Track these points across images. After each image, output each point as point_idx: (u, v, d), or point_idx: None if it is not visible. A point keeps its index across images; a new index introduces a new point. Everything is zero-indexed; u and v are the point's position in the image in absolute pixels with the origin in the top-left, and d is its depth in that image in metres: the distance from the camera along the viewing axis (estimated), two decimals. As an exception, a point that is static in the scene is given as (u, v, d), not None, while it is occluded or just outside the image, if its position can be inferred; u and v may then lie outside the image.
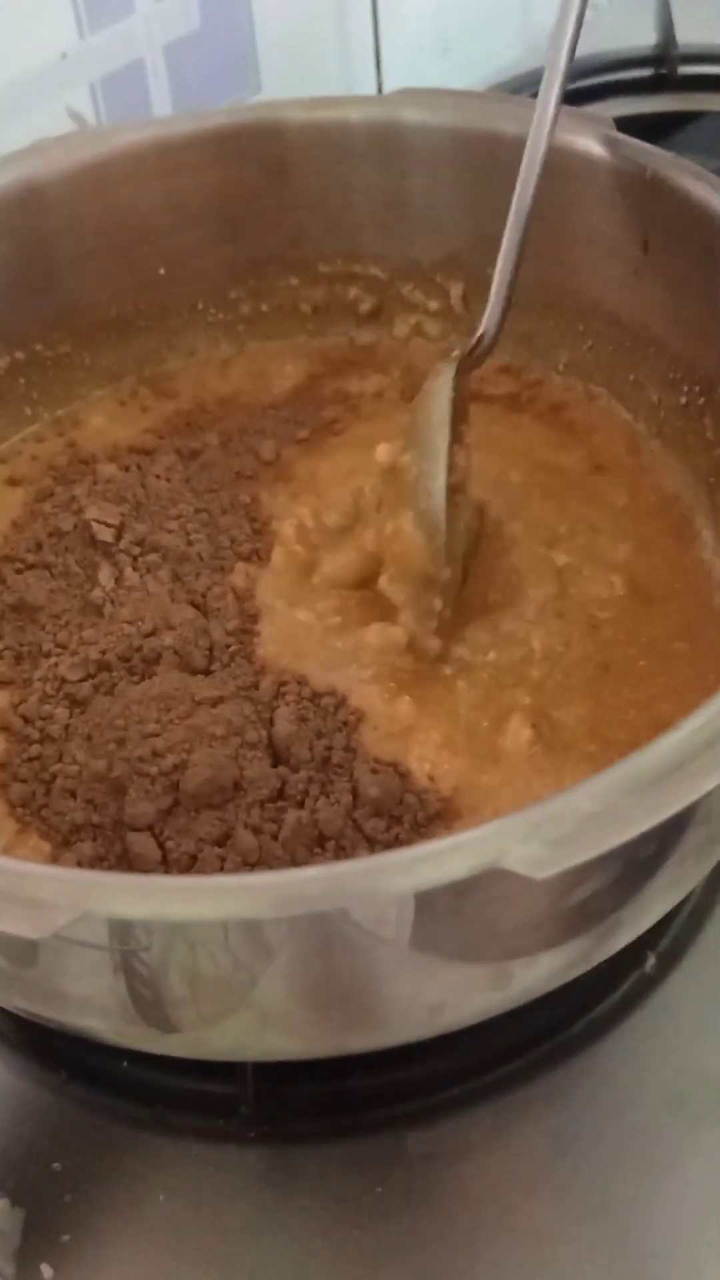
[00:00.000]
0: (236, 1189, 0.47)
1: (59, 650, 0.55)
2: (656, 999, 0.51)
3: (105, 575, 0.58)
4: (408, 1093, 0.49)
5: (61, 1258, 0.46)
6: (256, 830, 0.48)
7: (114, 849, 0.48)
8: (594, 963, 0.44)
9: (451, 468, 0.54)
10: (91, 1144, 0.49)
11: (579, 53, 0.94)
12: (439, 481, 0.54)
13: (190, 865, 0.47)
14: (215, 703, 0.52)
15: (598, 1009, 0.51)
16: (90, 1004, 0.41)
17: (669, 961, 0.52)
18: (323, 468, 0.63)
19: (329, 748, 0.51)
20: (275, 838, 0.48)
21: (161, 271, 0.66)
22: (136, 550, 0.59)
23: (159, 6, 0.88)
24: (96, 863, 0.48)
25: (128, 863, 0.48)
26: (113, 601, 0.57)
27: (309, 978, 0.39)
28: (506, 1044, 0.50)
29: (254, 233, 0.66)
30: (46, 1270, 0.46)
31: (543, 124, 0.52)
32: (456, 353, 0.56)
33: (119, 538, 0.59)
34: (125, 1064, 0.50)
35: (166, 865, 0.47)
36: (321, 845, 0.48)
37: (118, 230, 0.64)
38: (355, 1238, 0.46)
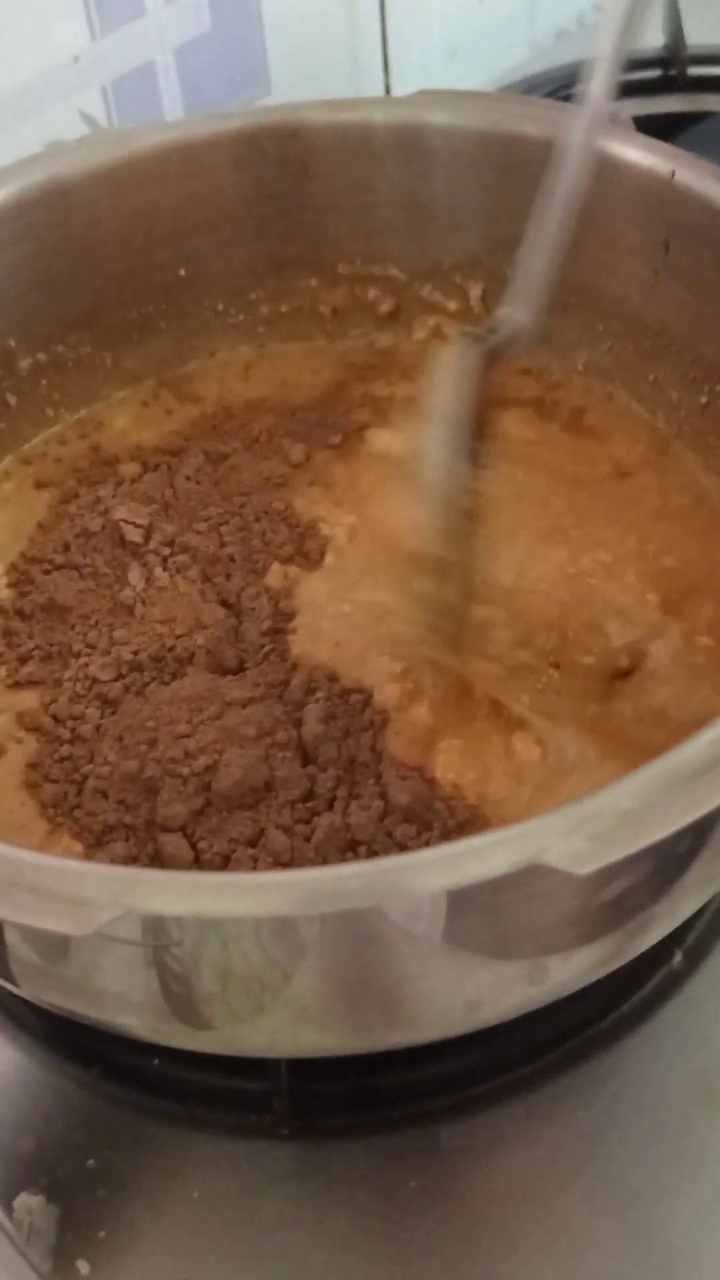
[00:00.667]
0: (270, 1184, 0.48)
1: (89, 650, 0.55)
2: (684, 995, 0.51)
3: (135, 575, 0.58)
4: (440, 1088, 0.49)
5: (98, 1253, 0.46)
6: (288, 831, 0.48)
7: (146, 849, 0.49)
8: (628, 958, 0.44)
9: (463, 489, 0.53)
10: (125, 1141, 0.49)
11: (584, 54, 0.95)
12: (444, 456, 0.52)
13: (223, 865, 0.48)
14: (246, 703, 0.52)
15: (626, 1005, 0.51)
16: (127, 1001, 0.41)
17: (695, 958, 0.52)
18: (363, 477, 0.64)
19: (356, 747, 0.51)
20: (308, 840, 0.48)
21: (182, 273, 0.67)
22: (166, 551, 0.59)
23: (170, 9, 0.89)
24: (129, 863, 0.48)
25: (160, 863, 0.48)
26: (143, 601, 0.57)
27: (348, 975, 0.39)
28: (537, 1040, 0.50)
29: (274, 234, 0.66)
30: (83, 1266, 0.46)
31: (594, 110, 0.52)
32: (485, 340, 0.54)
33: (148, 538, 0.59)
34: (157, 1061, 0.50)
35: (199, 865, 0.48)
36: (353, 849, 0.48)
37: (139, 231, 0.64)
38: (389, 1232, 0.46)
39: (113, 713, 0.53)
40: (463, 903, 0.37)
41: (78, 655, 0.55)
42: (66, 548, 0.60)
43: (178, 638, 0.55)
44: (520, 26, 1.09)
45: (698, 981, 0.52)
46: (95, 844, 0.49)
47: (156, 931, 0.38)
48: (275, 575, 0.58)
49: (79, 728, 0.53)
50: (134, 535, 0.59)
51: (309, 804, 0.49)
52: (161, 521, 0.60)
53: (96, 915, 0.35)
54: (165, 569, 0.58)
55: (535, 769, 0.51)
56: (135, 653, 0.54)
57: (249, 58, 0.96)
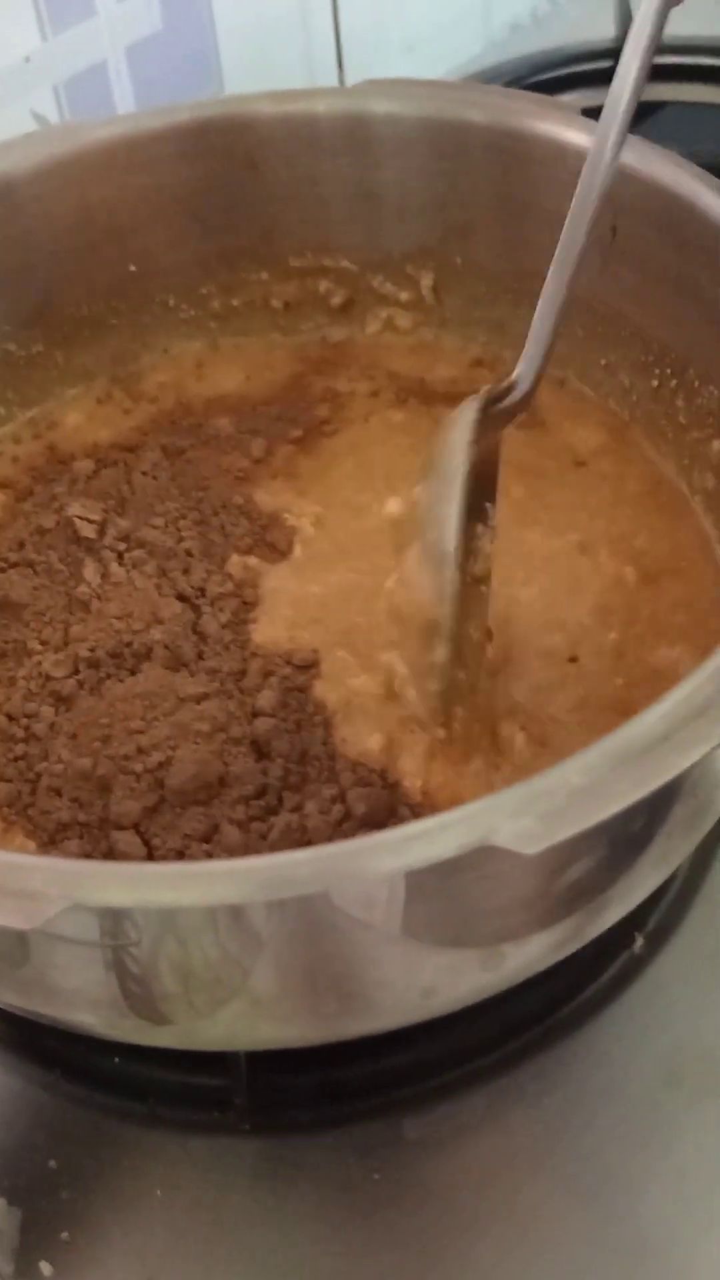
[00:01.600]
0: (233, 1181, 0.47)
1: (43, 647, 0.55)
2: (646, 978, 0.51)
3: (90, 571, 0.57)
4: (402, 1079, 0.49)
5: (60, 1255, 0.46)
6: (243, 826, 0.48)
7: (100, 846, 0.48)
8: (585, 940, 0.44)
9: (474, 551, 0.50)
10: (87, 1141, 0.49)
11: (537, 47, 0.95)
12: (451, 510, 0.48)
13: (178, 861, 0.47)
14: (199, 699, 0.51)
15: (588, 990, 0.51)
16: (82, 997, 0.41)
17: (657, 941, 0.52)
18: (329, 471, 0.64)
19: (309, 740, 0.51)
20: (264, 837, 0.48)
21: (132, 268, 0.66)
22: (122, 546, 0.59)
23: (121, 8, 0.88)
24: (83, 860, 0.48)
25: (114, 861, 0.48)
26: (99, 597, 0.57)
27: (301, 962, 0.39)
28: (499, 1028, 0.50)
29: (224, 227, 0.66)
30: (46, 1268, 0.46)
31: (604, 150, 0.50)
32: (484, 394, 0.51)
33: (102, 534, 0.59)
34: (117, 1060, 0.50)
35: (154, 862, 0.47)
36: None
37: (88, 227, 0.63)
38: (355, 1225, 0.46)
39: (67, 710, 0.52)
40: (413, 886, 0.36)
41: (32, 653, 0.55)
42: (21, 545, 0.59)
43: (135, 633, 0.54)
44: (475, 21, 1.09)
45: (660, 965, 0.52)
46: (49, 842, 0.49)
47: (108, 925, 0.37)
48: (235, 566, 0.58)
49: (33, 726, 0.52)
50: (88, 531, 0.59)
51: (263, 800, 0.49)
52: (116, 517, 0.60)
53: (44, 908, 0.34)
54: (121, 564, 0.58)
55: (518, 769, 0.50)
56: (92, 649, 0.54)
57: (201, 57, 0.96)
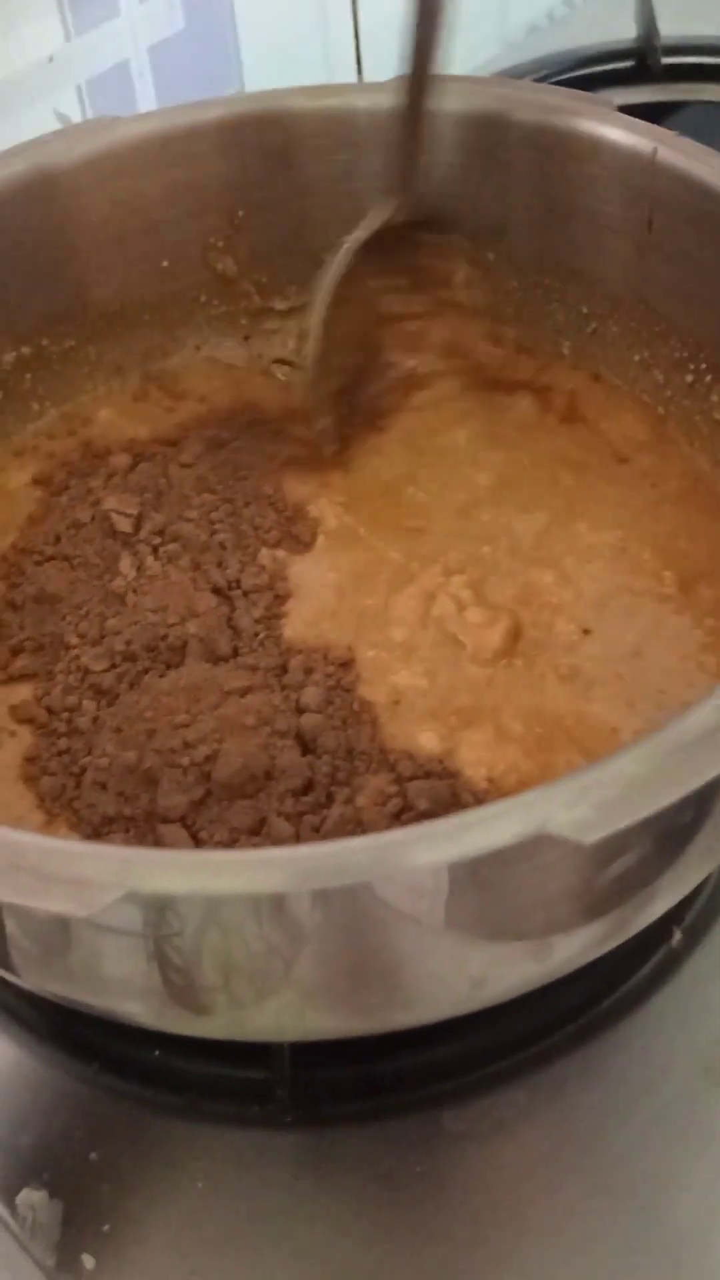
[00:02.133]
0: (274, 1174, 0.47)
1: (80, 640, 0.55)
2: (684, 972, 0.51)
3: (126, 565, 0.58)
4: (442, 1072, 0.49)
5: (102, 1247, 0.46)
6: (292, 819, 0.48)
7: (146, 840, 0.48)
8: (632, 931, 0.44)
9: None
10: (127, 1134, 0.48)
11: (555, 48, 0.95)
12: (313, 321, 0.60)
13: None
14: (244, 692, 0.52)
15: (626, 985, 0.51)
16: (130, 987, 0.41)
17: (695, 936, 0.52)
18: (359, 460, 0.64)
19: (355, 737, 0.51)
20: (317, 830, 0.48)
21: (165, 264, 0.66)
22: (157, 540, 0.59)
23: (143, 8, 0.89)
24: None
25: None
26: (135, 590, 0.57)
27: (353, 952, 0.39)
28: (539, 1022, 0.50)
29: (257, 223, 0.66)
30: (88, 1260, 0.46)
31: None
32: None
33: (138, 528, 0.59)
34: (157, 1053, 0.50)
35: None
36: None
37: (121, 222, 0.63)
38: (393, 1219, 0.46)
39: (109, 704, 0.52)
40: (468, 876, 0.36)
41: (69, 647, 0.55)
42: (57, 539, 0.60)
43: (170, 626, 0.54)
44: (491, 22, 1.09)
45: (697, 960, 0.52)
46: (94, 835, 0.49)
47: (160, 913, 0.37)
48: (266, 558, 0.58)
49: (75, 719, 0.52)
50: (124, 525, 0.59)
51: (311, 795, 0.49)
52: (152, 511, 0.60)
53: (100, 896, 0.34)
54: (156, 558, 0.58)
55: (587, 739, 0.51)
56: (128, 642, 0.54)
57: (223, 56, 0.96)
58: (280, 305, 0.70)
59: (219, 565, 0.58)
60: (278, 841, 0.47)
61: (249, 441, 0.64)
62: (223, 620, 0.55)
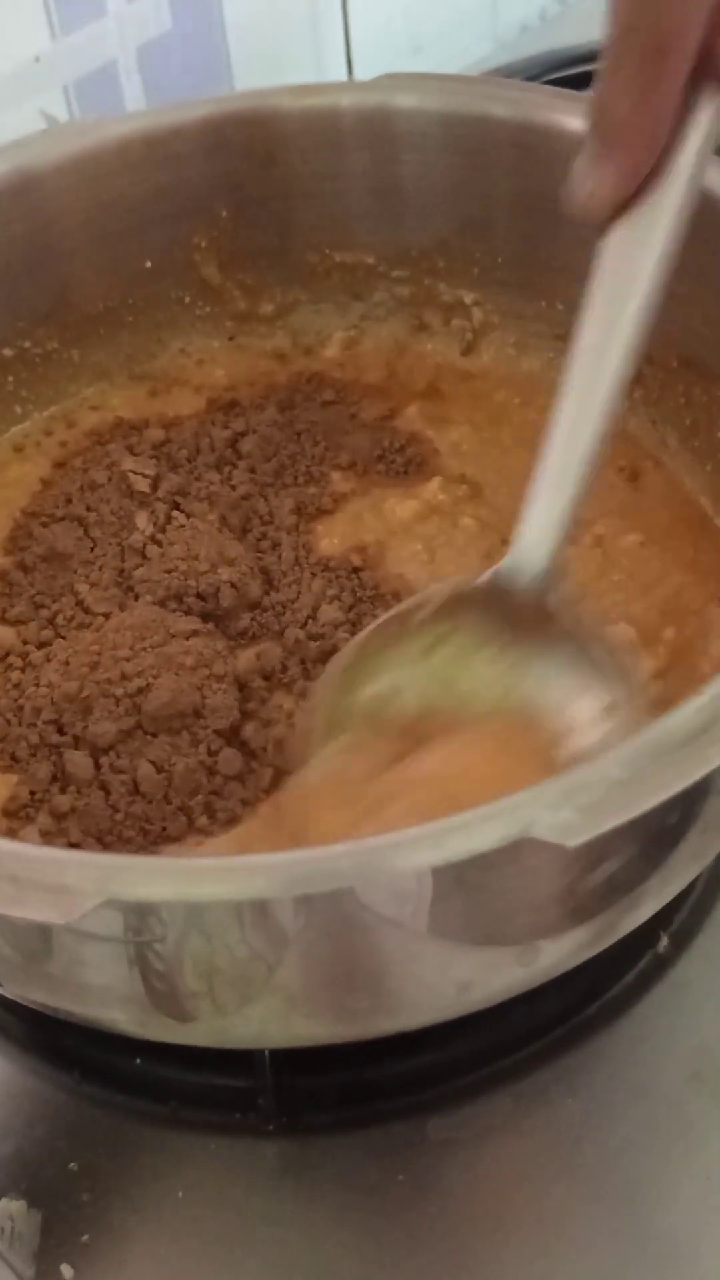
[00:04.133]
0: (256, 1182, 0.47)
1: (90, 588, 0.57)
2: (671, 978, 0.51)
3: (143, 520, 0.59)
4: (426, 1080, 0.49)
5: (81, 1258, 0.46)
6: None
7: (54, 769, 0.51)
8: (620, 934, 0.44)
9: None
10: (107, 1143, 0.48)
11: (546, 48, 0.95)
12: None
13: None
14: (189, 635, 0.53)
15: (612, 990, 0.51)
16: (112, 994, 0.41)
17: (681, 941, 0.52)
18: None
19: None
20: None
21: (148, 265, 0.66)
22: (177, 499, 0.60)
23: (131, 8, 0.89)
24: (49, 784, 0.51)
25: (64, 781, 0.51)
26: (156, 542, 0.58)
27: (339, 957, 0.39)
28: (524, 1028, 0.49)
29: (242, 224, 0.66)
30: (67, 1271, 0.45)
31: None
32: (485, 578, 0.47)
33: (155, 487, 0.60)
34: (138, 1061, 0.49)
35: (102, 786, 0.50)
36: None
37: (105, 222, 0.63)
38: (378, 1227, 0.46)
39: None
40: (452, 880, 0.36)
41: (77, 594, 0.57)
42: (69, 500, 0.60)
43: (201, 575, 0.56)
44: (483, 21, 1.09)
45: (684, 965, 0.51)
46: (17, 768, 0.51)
47: (140, 920, 0.37)
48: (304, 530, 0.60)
49: (31, 654, 0.54)
50: (142, 485, 0.60)
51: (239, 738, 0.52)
52: (169, 473, 0.61)
53: (79, 903, 0.34)
54: (181, 510, 0.59)
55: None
56: (159, 591, 0.56)
57: (211, 56, 0.96)
58: (266, 308, 0.69)
59: (247, 521, 0.59)
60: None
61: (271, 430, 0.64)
62: (253, 569, 0.57)
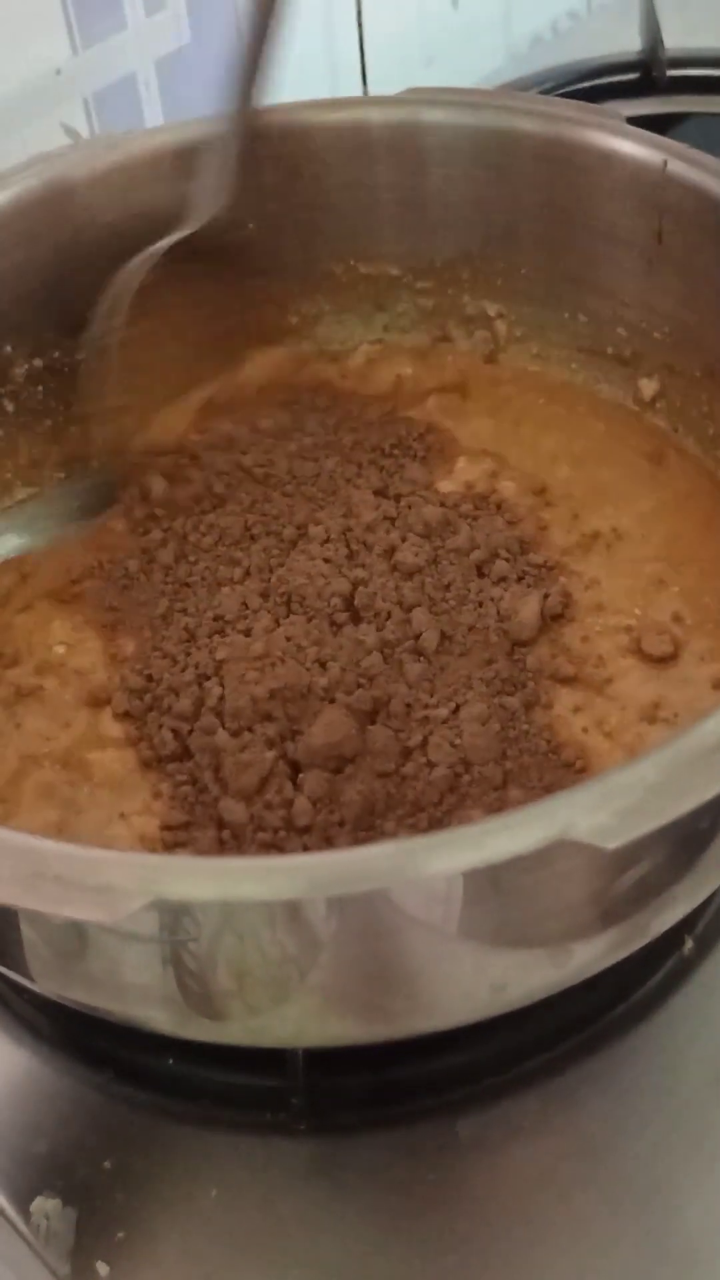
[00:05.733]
0: (288, 1181, 0.47)
1: None
2: (695, 980, 0.51)
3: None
4: (455, 1080, 0.49)
5: (116, 1255, 0.46)
6: None
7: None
8: (650, 937, 0.44)
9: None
10: (141, 1141, 0.48)
11: (558, 60, 0.96)
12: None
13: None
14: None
15: (638, 993, 0.51)
16: (149, 993, 0.41)
17: (706, 944, 0.52)
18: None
19: None
20: None
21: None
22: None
23: (150, 21, 0.89)
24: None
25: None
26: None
27: (372, 958, 0.39)
28: (551, 1030, 0.50)
29: (269, 233, 0.66)
30: (102, 1268, 0.46)
31: None
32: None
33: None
34: (171, 1061, 0.50)
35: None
36: None
37: (135, 234, 0.63)
38: (407, 1226, 0.46)
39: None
40: (488, 882, 0.37)
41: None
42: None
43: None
44: (495, 33, 1.10)
45: (709, 968, 0.52)
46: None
47: (181, 919, 0.37)
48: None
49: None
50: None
51: None
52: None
53: (126, 902, 0.35)
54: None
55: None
56: None
57: (228, 69, 0.97)
58: (293, 318, 0.70)
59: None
60: None
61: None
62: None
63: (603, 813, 0.35)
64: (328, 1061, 0.48)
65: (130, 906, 0.34)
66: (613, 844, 0.34)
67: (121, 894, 0.35)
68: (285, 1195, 0.47)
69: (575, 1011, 0.50)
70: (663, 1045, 0.50)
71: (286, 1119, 0.48)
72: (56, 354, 0.66)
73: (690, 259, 0.57)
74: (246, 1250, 0.46)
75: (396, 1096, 0.49)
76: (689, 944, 0.52)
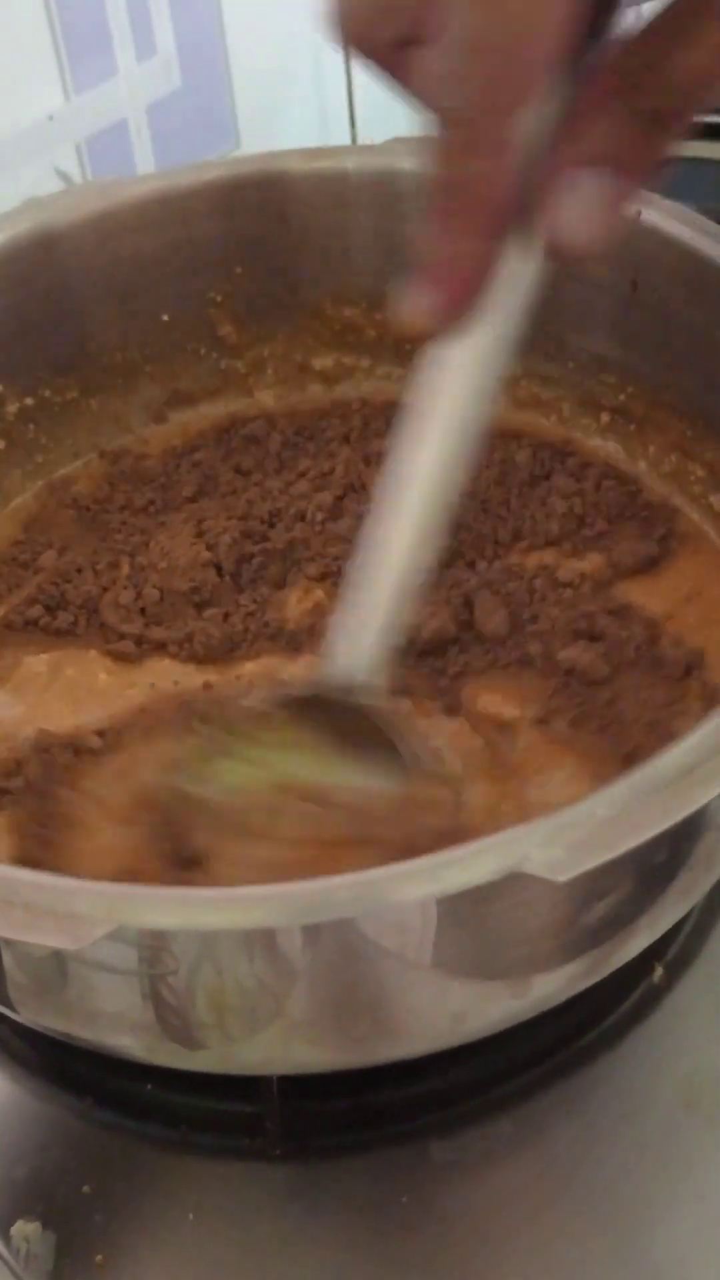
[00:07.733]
0: (264, 1205, 0.48)
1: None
2: (666, 1007, 0.52)
3: None
4: (428, 1104, 0.50)
5: (95, 1278, 0.47)
6: None
7: None
8: (612, 968, 0.45)
9: None
10: (120, 1166, 0.49)
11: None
12: None
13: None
14: None
15: (609, 1019, 0.52)
16: (122, 1020, 0.42)
17: (676, 971, 0.53)
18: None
19: None
20: None
21: (165, 318, 0.68)
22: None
23: (141, 68, 0.91)
24: None
25: None
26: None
27: (338, 986, 0.40)
28: (524, 1054, 0.51)
29: (254, 279, 0.68)
30: (80, 1290, 0.47)
31: None
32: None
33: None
34: (149, 1087, 0.51)
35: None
36: None
37: (123, 278, 0.65)
38: (382, 1248, 0.47)
39: None
40: (447, 912, 0.38)
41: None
42: None
43: None
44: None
45: (679, 994, 0.53)
46: None
47: (148, 947, 0.38)
48: None
49: None
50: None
51: None
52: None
53: (90, 929, 0.35)
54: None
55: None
56: None
57: (219, 114, 0.99)
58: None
59: None
60: None
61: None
62: None
63: (555, 847, 0.36)
64: (303, 1087, 0.49)
65: (95, 933, 0.35)
66: (563, 876, 0.35)
67: (86, 921, 0.36)
68: (262, 1218, 0.48)
69: (547, 1037, 0.51)
70: (633, 1071, 0.51)
71: (263, 1144, 0.49)
72: (47, 393, 0.67)
73: (664, 308, 0.58)
74: (223, 1272, 0.47)
75: (371, 1121, 0.50)
76: (659, 971, 0.53)
